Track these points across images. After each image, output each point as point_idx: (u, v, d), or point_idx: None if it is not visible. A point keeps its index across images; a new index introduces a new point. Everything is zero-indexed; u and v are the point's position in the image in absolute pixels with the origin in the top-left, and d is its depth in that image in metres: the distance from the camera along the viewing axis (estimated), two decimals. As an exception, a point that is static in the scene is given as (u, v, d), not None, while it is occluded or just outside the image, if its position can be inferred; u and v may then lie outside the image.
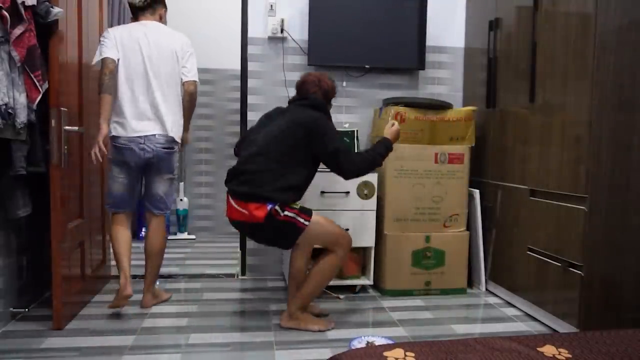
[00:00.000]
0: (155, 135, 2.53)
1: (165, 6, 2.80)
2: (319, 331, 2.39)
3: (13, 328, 2.35)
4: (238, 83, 3.41)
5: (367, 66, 3.25)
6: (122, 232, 2.63)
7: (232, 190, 2.34)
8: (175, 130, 2.60)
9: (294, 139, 2.32)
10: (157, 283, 2.88)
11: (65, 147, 2.29)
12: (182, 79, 2.64)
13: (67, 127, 2.31)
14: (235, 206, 2.31)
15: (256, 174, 2.28)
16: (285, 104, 3.24)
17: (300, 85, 2.54)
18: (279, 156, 2.30)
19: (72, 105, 2.44)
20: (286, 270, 2.99)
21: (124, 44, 2.52)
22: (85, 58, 2.62)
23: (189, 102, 2.70)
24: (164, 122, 2.55)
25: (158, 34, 2.60)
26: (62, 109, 2.26)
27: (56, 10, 2.17)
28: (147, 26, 2.61)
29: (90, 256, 2.75)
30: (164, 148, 2.56)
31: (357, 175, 2.44)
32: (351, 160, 2.35)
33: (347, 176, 2.40)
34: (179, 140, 2.66)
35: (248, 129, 2.52)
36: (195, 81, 2.66)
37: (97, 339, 2.25)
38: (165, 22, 2.84)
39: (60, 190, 2.29)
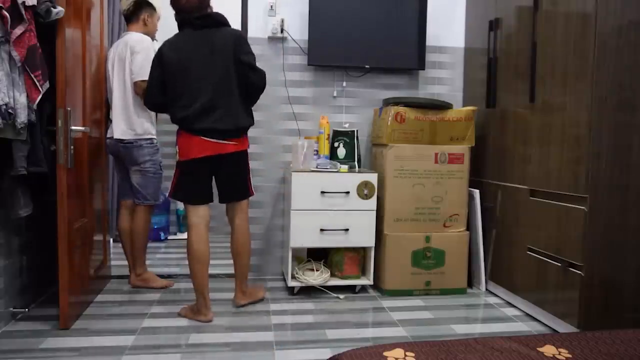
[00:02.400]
0: (112, 137, 2.89)
1: (150, 10, 2.99)
2: (263, 298, 2.79)
3: (13, 328, 2.35)
4: (238, 83, 3.40)
5: (367, 66, 3.25)
6: (120, 220, 3.06)
7: (210, 129, 2.40)
8: (125, 130, 2.85)
9: (236, 58, 2.42)
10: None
11: (72, 147, 2.29)
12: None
13: (73, 127, 2.32)
14: (214, 141, 2.41)
15: (228, 109, 2.42)
16: (285, 104, 3.26)
17: (200, 5, 2.45)
18: (236, 85, 2.44)
19: (77, 106, 2.45)
20: (286, 270, 3.00)
21: (106, 71, 2.94)
22: (88, 57, 2.63)
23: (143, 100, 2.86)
24: (114, 127, 2.87)
25: (121, 46, 2.87)
26: (68, 109, 2.26)
27: (57, 10, 2.17)
28: (121, 39, 2.92)
29: (92, 256, 2.75)
30: (120, 143, 2.87)
31: (262, 88, 2.52)
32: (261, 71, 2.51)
33: (260, 82, 2.48)
34: (131, 137, 2.85)
35: (161, 75, 2.47)
36: (138, 82, 2.80)
37: (97, 339, 2.25)
38: (151, 25, 3.01)
39: (67, 190, 2.29)
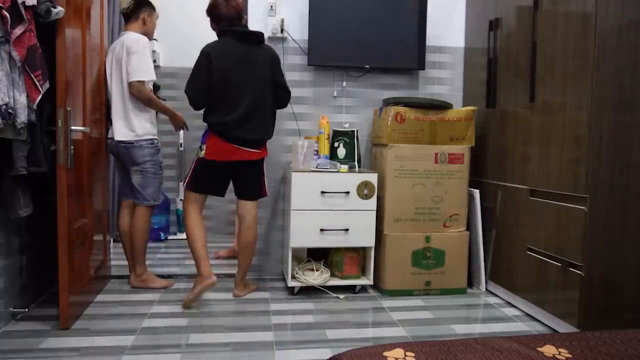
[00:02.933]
0: (112, 138, 2.89)
1: (150, 9, 2.97)
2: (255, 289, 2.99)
3: (13, 328, 2.35)
4: (238, 83, 3.40)
5: (367, 66, 3.25)
6: (121, 220, 3.05)
7: (243, 139, 2.67)
8: (125, 132, 2.83)
9: (271, 79, 2.74)
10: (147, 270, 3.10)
11: (72, 147, 2.29)
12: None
13: (73, 127, 2.31)
14: (243, 148, 2.69)
15: (261, 121, 2.72)
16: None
17: (239, 14, 2.75)
18: (269, 100, 2.76)
19: (77, 106, 2.45)
20: (286, 270, 3.00)
21: (105, 72, 2.91)
22: (88, 57, 2.63)
23: (141, 102, 2.85)
24: (114, 128, 2.87)
25: (118, 46, 2.84)
26: (68, 109, 2.26)
27: (57, 10, 2.17)
28: (118, 40, 2.90)
29: (92, 256, 2.75)
30: (121, 143, 2.85)
31: (287, 105, 2.93)
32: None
33: (287, 101, 2.89)
34: (131, 138, 2.84)
35: (208, 81, 2.67)
36: (132, 82, 2.78)
37: (97, 339, 2.25)
38: (150, 25, 2.99)
39: (67, 190, 2.29)
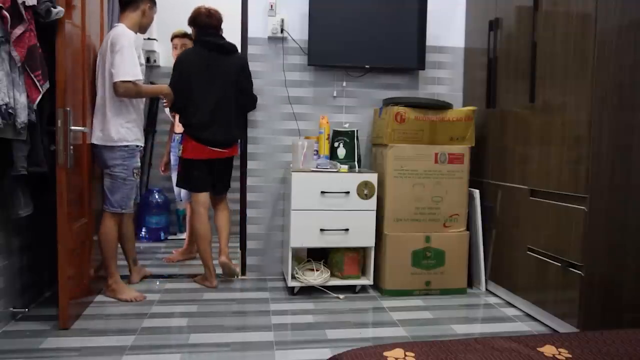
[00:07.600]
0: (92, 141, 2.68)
1: (152, 2, 2.82)
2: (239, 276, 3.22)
3: (13, 328, 2.35)
4: (238, 83, 3.40)
5: (367, 66, 3.25)
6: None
7: (210, 140, 2.93)
8: (98, 135, 2.65)
9: (236, 85, 2.98)
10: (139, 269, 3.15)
11: (71, 147, 2.29)
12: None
13: (73, 127, 2.31)
14: (214, 149, 2.95)
15: (224, 124, 2.95)
16: (285, 104, 3.27)
17: (219, 24, 3.00)
18: (232, 105, 2.98)
19: (76, 106, 2.45)
20: (286, 270, 3.00)
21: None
22: (88, 57, 2.63)
23: (132, 98, 2.69)
24: (92, 130, 2.67)
25: (105, 41, 2.68)
26: (68, 109, 2.26)
27: (57, 10, 2.17)
28: (108, 32, 2.74)
29: (92, 256, 2.75)
30: (93, 145, 2.68)
31: (252, 109, 3.19)
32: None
33: (251, 106, 3.16)
34: (106, 143, 2.65)
35: (181, 87, 2.93)
36: (117, 82, 2.57)
37: (97, 339, 2.25)
38: (149, 18, 2.82)
39: (67, 190, 2.29)
